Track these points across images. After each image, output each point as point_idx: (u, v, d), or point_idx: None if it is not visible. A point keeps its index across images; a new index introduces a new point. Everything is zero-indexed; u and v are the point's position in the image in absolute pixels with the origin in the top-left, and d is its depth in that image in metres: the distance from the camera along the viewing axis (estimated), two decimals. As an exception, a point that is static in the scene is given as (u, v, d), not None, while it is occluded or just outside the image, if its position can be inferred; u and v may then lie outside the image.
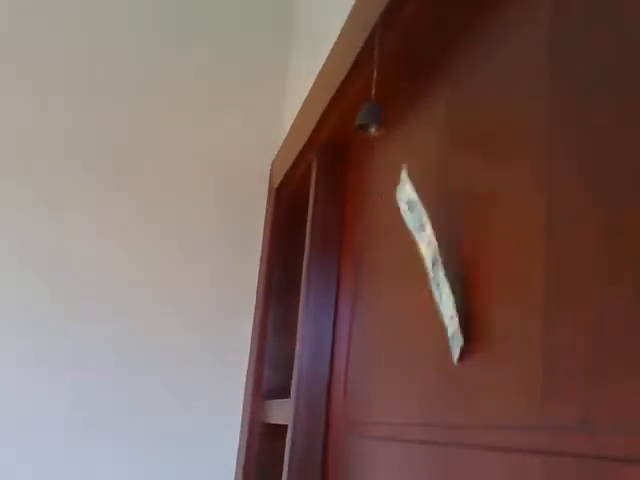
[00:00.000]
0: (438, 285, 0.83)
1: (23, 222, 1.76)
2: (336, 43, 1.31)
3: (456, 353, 0.78)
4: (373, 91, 0.97)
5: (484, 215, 0.81)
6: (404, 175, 0.92)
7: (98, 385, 1.71)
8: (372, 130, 0.95)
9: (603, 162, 0.60)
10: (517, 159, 0.76)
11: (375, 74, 0.93)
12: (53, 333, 1.71)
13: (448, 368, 0.83)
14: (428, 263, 0.86)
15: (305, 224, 1.51)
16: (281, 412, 1.45)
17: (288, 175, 1.75)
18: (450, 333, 0.80)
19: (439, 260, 0.83)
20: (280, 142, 1.88)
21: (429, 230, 0.86)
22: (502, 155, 0.79)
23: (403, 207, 0.92)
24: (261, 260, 1.88)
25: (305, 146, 1.55)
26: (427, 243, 0.87)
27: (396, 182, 1.15)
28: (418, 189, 1.01)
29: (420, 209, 0.88)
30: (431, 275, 0.85)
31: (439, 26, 1.03)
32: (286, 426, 1.35)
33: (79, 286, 1.75)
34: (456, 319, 0.78)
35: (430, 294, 0.88)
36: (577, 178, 0.64)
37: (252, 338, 1.81)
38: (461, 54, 0.95)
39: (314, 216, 1.46)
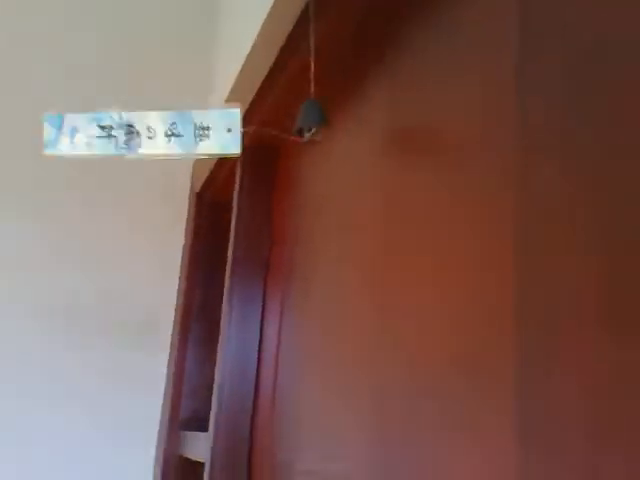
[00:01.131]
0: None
1: None
2: (262, 28, 1.15)
3: None
4: (312, 87, 0.82)
5: (427, 229, 0.67)
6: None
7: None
8: (312, 134, 0.79)
9: (586, 164, 0.47)
10: (473, 161, 0.61)
11: (313, 66, 0.78)
12: None
13: (393, 400, 0.68)
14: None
15: (228, 233, 1.34)
16: (199, 447, 1.27)
17: (210, 178, 1.58)
18: None
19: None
20: (202, 142, 1.70)
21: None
22: (453, 159, 0.65)
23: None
24: (181, 271, 1.70)
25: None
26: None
27: (330, 185, 1.01)
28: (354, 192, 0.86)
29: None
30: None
31: (378, 10, 0.89)
32: (203, 464, 1.18)
33: None
34: None
35: (370, 306, 0.74)
36: (551, 189, 0.50)
37: (169, 359, 1.62)
38: (406, 41, 0.81)
39: (238, 225, 1.30)
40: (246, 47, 1.24)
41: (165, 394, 1.59)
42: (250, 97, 1.17)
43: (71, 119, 0.74)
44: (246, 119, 1.23)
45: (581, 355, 0.45)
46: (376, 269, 0.79)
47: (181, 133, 0.72)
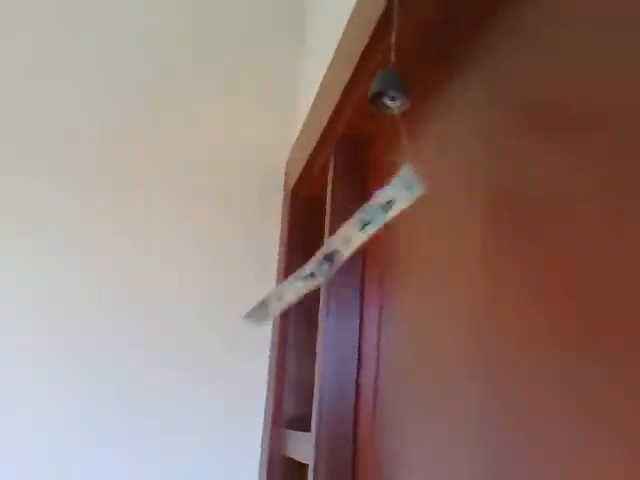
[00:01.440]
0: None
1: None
2: (350, 18, 1.11)
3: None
4: (392, 57, 0.76)
5: (555, 220, 0.61)
6: (409, 173, 0.71)
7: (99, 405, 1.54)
8: (389, 102, 0.72)
9: None
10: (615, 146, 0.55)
11: (394, 37, 0.73)
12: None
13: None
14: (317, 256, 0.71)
15: (324, 226, 1.32)
16: (302, 447, 1.26)
17: (304, 174, 1.56)
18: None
19: (339, 259, 0.69)
20: (294, 139, 1.69)
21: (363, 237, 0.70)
22: (578, 141, 0.59)
23: (378, 200, 0.72)
24: (278, 269, 1.69)
25: (321, 141, 1.35)
26: (347, 237, 0.71)
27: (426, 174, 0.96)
28: (453, 189, 0.82)
29: (385, 217, 0.70)
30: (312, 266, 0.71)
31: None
32: (307, 465, 1.16)
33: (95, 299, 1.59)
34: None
35: (478, 302, 0.69)
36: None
37: (270, 359, 1.61)
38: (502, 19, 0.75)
39: (332, 217, 1.27)
40: (333, 42, 1.21)
41: (268, 393, 1.58)
42: (341, 89, 1.13)
43: (276, 293, 0.78)
44: (337, 110, 1.20)
45: None
46: (484, 263, 0.74)
47: (371, 218, 0.72)
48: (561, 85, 0.61)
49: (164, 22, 1.80)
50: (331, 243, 0.74)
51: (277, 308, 0.76)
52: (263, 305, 0.79)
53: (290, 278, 0.76)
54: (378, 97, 0.73)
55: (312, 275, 0.75)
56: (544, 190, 0.62)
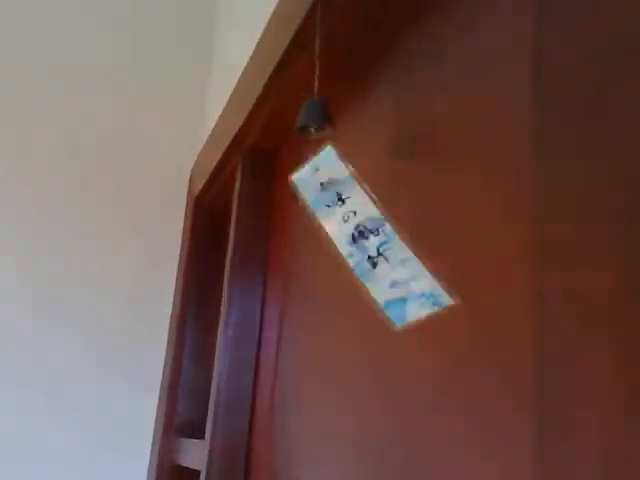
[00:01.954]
0: (367, 259, 0.67)
1: None
2: (266, 29, 1.13)
3: (419, 314, 0.61)
4: (316, 85, 0.80)
5: (448, 239, 0.65)
6: (331, 151, 0.74)
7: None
8: (314, 132, 0.78)
9: (605, 171, 0.45)
10: (493, 169, 0.60)
11: (318, 65, 0.76)
12: None
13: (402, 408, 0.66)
14: (341, 240, 0.70)
15: (228, 237, 1.33)
16: (195, 455, 1.25)
17: (209, 182, 1.56)
18: (392, 298, 0.64)
19: (380, 230, 0.67)
20: (201, 146, 1.69)
21: (356, 201, 0.70)
22: (470, 164, 0.64)
23: (309, 192, 0.75)
24: (177, 277, 1.68)
25: (229, 149, 1.37)
26: (342, 219, 0.71)
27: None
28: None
29: (348, 183, 0.72)
30: (346, 251, 0.69)
31: (387, 7, 0.88)
32: (199, 472, 1.15)
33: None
34: (431, 279, 0.61)
35: (376, 318, 0.72)
36: (574, 195, 0.48)
37: (165, 365, 1.60)
38: (414, 39, 0.80)
39: (237, 228, 1.28)
40: (249, 48, 1.23)
41: (160, 399, 1.56)
42: (253, 99, 1.15)
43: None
44: (248, 120, 1.22)
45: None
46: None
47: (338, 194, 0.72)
48: (460, 103, 0.66)
49: (72, 36, 1.76)
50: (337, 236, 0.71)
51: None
52: None
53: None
54: (305, 129, 0.79)
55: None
56: (450, 209, 0.66)
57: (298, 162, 1.16)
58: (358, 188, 0.70)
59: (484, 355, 0.55)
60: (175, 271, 1.69)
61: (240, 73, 1.29)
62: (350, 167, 0.72)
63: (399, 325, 0.62)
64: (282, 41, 0.99)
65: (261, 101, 1.14)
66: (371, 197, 0.70)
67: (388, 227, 0.67)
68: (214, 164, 1.46)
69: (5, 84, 1.67)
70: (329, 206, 0.72)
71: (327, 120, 0.77)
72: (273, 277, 1.21)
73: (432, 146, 0.72)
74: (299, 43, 0.95)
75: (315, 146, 1.07)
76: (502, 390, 0.52)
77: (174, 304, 1.64)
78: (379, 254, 0.66)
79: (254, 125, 1.24)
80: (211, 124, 1.57)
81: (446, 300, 0.59)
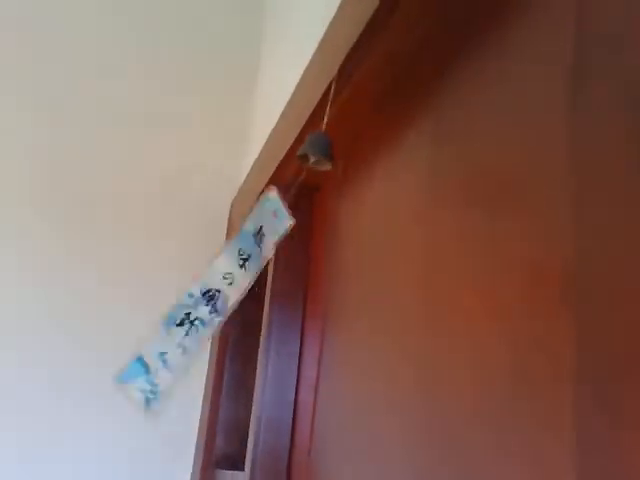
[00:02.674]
0: (189, 319, 0.68)
1: None
2: (306, 70, 1.17)
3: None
4: (325, 120, 0.84)
5: (483, 286, 0.66)
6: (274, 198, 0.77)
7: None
8: (313, 164, 0.81)
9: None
10: (529, 214, 0.61)
11: (329, 105, 0.80)
12: None
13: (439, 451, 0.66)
14: (201, 287, 0.71)
15: (267, 272, 1.34)
16: (234, 487, 1.26)
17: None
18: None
19: (224, 304, 0.69)
20: (242, 180, 1.72)
21: (245, 277, 0.71)
22: (506, 207, 0.65)
23: (247, 227, 0.77)
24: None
25: (269, 183, 1.39)
26: (223, 275, 0.72)
27: (365, 232, 1.01)
28: (393, 239, 0.86)
29: (267, 248, 0.73)
30: (186, 302, 0.70)
31: (425, 49, 0.90)
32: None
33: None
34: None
35: (414, 344, 0.73)
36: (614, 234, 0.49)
37: (204, 399, 1.61)
38: (448, 80, 0.81)
39: (277, 264, 1.30)
40: (292, 82, 1.26)
41: (199, 432, 1.58)
42: (295, 133, 1.18)
43: (150, 349, 0.70)
44: (289, 154, 1.25)
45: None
46: (416, 310, 0.78)
47: (249, 253, 0.74)
48: (492, 151, 0.67)
49: (119, 63, 1.82)
50: (211, 278, 0.74)
51: (168, 378, 0.70)
52: (142, 369, 0.72)
53: (162, 325, 0.72)
54: (306, 156, 0.82)
55: (191, 323, 0.72)
56: (478, 253, 0.67)
57: (337, 197, 1.19)
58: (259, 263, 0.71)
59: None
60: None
61: (282, 107, 1.33)
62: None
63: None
64: (321, 83, 1.02)
65: (302, 136, 1.17)
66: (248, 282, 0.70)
67: (217, 319, 0.67)
68: (254, 200, 1.49)
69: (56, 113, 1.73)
70: (237, 260, 0.74)
71: (327, 154, 0.81)
72: (312, 314, 1.23)
73: (467, 192, 0.73)
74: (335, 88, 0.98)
75: (354, 187, 1.10)
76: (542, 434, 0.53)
77: (213, 340, 1.66)
78: (197, 325, 0.67)
79: (292, 164, 1.26)
80: (252, 159, 1.61)
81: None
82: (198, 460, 1.52)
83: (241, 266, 0.74)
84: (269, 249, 0.72)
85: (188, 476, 1.56)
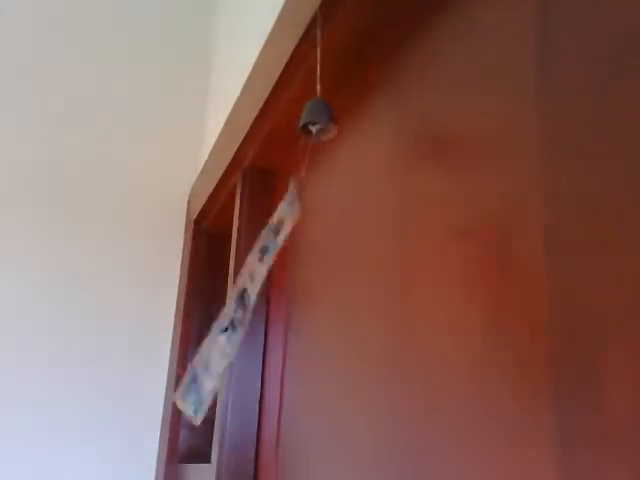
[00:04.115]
0: (231, 322, 0.65)
1: None
2: (264, 48, 1.13)
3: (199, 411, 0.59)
4: (318, 87, 0.78)
5: (450, 249, 0.64)
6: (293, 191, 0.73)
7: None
8: (319, 133, 0.75)
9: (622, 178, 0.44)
10: (499, 171, 0.58)
11: (319, 67, 0.75)
12: None
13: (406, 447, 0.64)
14: (234, 294, 0.69)
15: (229, 260, 1.31)
16: (200, 479, 1.22)
17: (208, 204, 1.54)
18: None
19: (249, 300, 0.66)
20: (200, 167, 1.67)
21: (263, 269, 0.69)
22: (475, 171, 0.62)
23: (271, 223, 0.73)
24: (178, 301, 1.66)
25: (227, 170, 1.35)
26: (249, 274, 0.70)
27: (331, 210, 0.98)
28: (359, 219, 0.83)
29: (278, 242, 0.70)
30: (231, 306, 0.68)
31: (387, 16, 0.87)
32: (205, 499, 1.12)
33: None
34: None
35: (384, 324, 0.70)
36: (579, 198, 0.47)
37: (167, 390, 1.57)
38: (414, 46, 0.79)
39: (238, 250, 1.26)
40: (248, 66, 1.22)
41: (162, 426, 1.53)
42: (251, 118, 1.14)
43: (200, 361, 0.69)
44: (250, 135, 1.21)
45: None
46: (389, 284, 0.76)
47: (267, 245, 0.71)
48: (450, 116, 0.65)
49: (71, 68, 1.76)
50: (241, 279, 0.72)
51: (210, 385, 0.68)
52: (193, 383, 0.71)
53: (211, 333, 0.71)
54: (306, 127, 0.76)
55: (232, 326, 0.70)
56: (444, 219, 0.65)
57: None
58: (275, 250, 0.70)
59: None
60: (175, 297, 1.67)
61: (238, 92, 1.29)
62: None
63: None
64: (282, 57, 0.98)
65: (259, 119, 1.14)
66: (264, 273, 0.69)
67: (248, 315, 0.66)
68: (213, 185, 1.45)
69: (5, 116, 1.66)
70: (258, 254, 0.72)
71: (331, 118, 0.75)
72: (276, 300, 1.19)
73: (434, 154, 0.70)
74: (299, 58, 0.95)
75: (314, 165, 1.06)
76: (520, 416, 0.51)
77: (175, 329, 1.62)
78: (234, 328, 0.65)
79: (253, 143, 1.23)
80: (209, 146, 1.56)
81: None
82: (162, 455, 1.48)
83: (260, 259, 0.71)
84: (283, 239, 0.69)
85: (152, 472, 1.52)
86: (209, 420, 1.26)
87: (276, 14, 1.05)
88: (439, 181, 0.68)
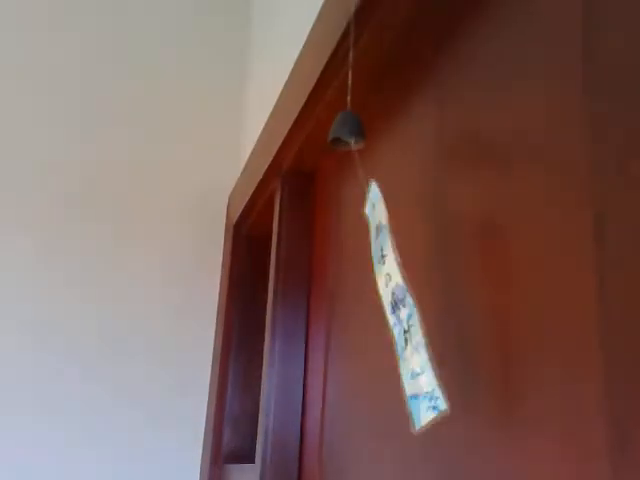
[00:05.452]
0: (403, 333, 0.63)
1: None
2: (302, 51, 1.14)
3: (426, 418, 0.58)
4: (349, 98, 0.80)
5: (498, 251, 0.64)
6: (375, 191, 0.73)
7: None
8: (351, 144, 0.76)
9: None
10: (545, 173, 0.59)
11: (350, 77, 0.76)
12: None
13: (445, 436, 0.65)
14: (386, 306, 0.67)
15: (268, 263, 1.32)
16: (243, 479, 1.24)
17: (248, 208, 1.57)
18: (412, 392, 0.60)
19: (406, 301, 0.64)
20: (238, 172, 1.70)
21: (391, 263, 0.66)
22: (522, 169, 0.63)
23: (372, 232, 0.73)
24: (219, 305, 1.68)
25: (267, 173, 1.37)
26: (385, 281, 0.67)
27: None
28: (403, 221, 0.84)
29: (386, 235, 0.68)
30: (391, 321, 0.66)
31: (424, 20, 0.88)
32: (250, 499, 1.14)
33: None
34: (432, 377, 0.58)
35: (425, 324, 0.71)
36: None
37: (210, 393, 1.59)
38: (453, 49, 0.79)
39: (278, 253, 1.28)
40: (286, 71, 1.24)
41: (206, 428, 1.56)
42: (290, 122, 1.16)
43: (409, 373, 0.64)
44: (286, 143, 1.23)
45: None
46: (434, 283, 0.76)
47: (382, 247, 0.70)
48: (495, 117, 0.65)
49: (112, 71, 1.80)
50: (383, 292, 0.69)
51: (427, 379, 0.62)
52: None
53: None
54: (337, 139, 0.77)
55: (410, 324, 0.66)
56: (493, 218, 0.65)
57: (337, 184, 1.17)
58: (389, 243, 0.67)
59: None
60: (216, 300, 1.70)
61: (277, 97, 1.30)
62: (386, 213, 0.70)
63: (417, 428, 0.58)
64: (318, 63, 1.00)
65: (298, 123, 1.15)
66: (396, 258, 0.66)
67: (410, 297, 0.63)
68: (252, 189, 1.47)
69: (55, 116, 1.71)
70: (378, 263, 0.70)
71: (361, 132, 0.76)
72: (317, 302, 1.20)
73: (477, 154, 0.71)
74: (335, 64, 0.96)
75: (354, 169, 1.08)
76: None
77: (216, 334, 1.65)
78: (408, 329, 0.63)
79: (292, 147, 1.24)
80: (248, 150, 1.59)
81: (442, 405, 0.56)
82: (206, 455, 1.50)
83: (380, 262, 0.70)
84: (388, 232, 0.68)
85: (197, 472, 1.54)
86: (252, 420, 1.28)
87: (314, 17, 1.07)
88: (483, 182, 0.69)
